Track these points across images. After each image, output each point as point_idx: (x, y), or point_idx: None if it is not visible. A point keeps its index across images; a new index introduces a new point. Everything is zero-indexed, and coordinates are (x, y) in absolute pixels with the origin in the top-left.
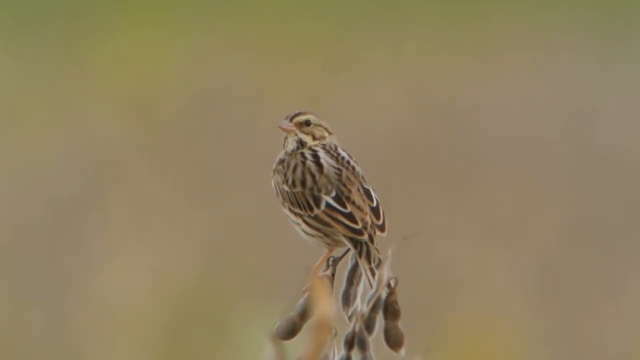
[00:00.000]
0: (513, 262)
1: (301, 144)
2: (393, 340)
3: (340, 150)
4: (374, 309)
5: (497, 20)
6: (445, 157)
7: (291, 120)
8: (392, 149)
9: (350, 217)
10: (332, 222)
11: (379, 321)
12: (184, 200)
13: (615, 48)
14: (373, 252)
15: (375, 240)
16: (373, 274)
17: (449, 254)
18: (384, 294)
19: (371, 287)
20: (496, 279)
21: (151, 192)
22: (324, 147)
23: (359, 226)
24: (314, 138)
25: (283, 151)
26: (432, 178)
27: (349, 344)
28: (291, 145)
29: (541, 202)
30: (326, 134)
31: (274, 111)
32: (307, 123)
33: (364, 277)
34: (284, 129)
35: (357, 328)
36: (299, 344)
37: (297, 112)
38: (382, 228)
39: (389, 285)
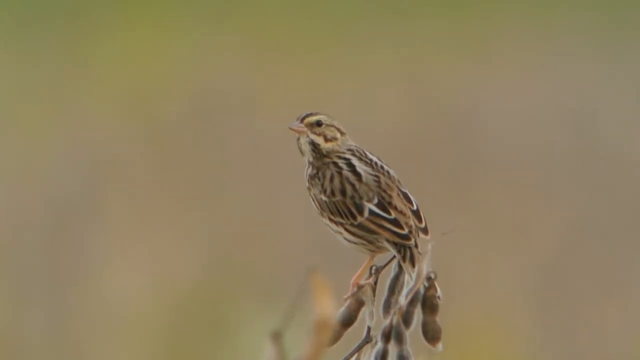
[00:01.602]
0: (513, 262)
1: (314, 145)
2: (430, 334)
3: (370, 155)
4: (412, 302)
5: (497, 20)
6: (445, 157)
7: (302, 121)
8: (392, 149)
9: (395, 222)
10: (378, 229)
11: (417, 315)
12: (184, 200)
13: (615, 48)
14: (417, 255)
15: (420, 245)
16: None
17: (448, 254)
18: (422, 289)
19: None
20: (496, 279)
21: (151, 192)
22: (353, 154)
23: (405, 231)
24: (326, 139)
25: (307, 162)
26: (432, 178)
27: (386, 337)
28: (305, 147)
29: (541, 202)
30: (338, 135)
31: (274, 111)
32: (319, 123)
33: (408, 280)
34: (294, 130)
35: (394, 321)
36: (338, 351)
37: (308, 112)
38: (425, 231)
39: (428, 280)
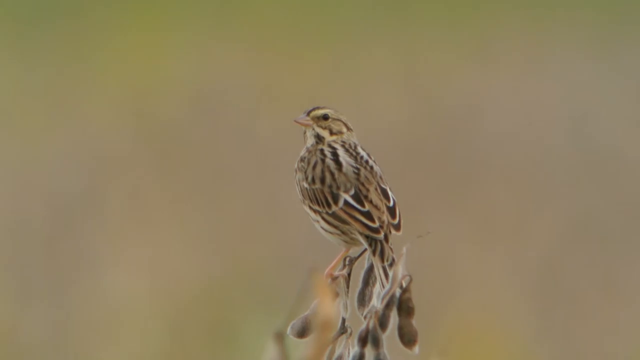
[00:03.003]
0: (513, 262)
1: (319, 138)
2: (407, 337)
3: (359, 149)
4: (388, 306)
5: (497, 20)
6: (445, 157)
7: (308, 114)
8: (393, 149)
9: (367, 215)
10: (350, 220)
11: (393, 318)
12: (185, 200)
13: (615, 48)
14: (387, 250)
15: (391, 240)
16: (385, 272)
17: (448, 253)
18: (398, 292)
19: (383, 285)
20: (496, 279)
21: (151, 192)
22: (343, 145)
23: (376, 224)
24: (332, 133)
25: (304, 148)
26: (432, 178)
27: (363, 341)
28: (310, 140)
29: (541, 202)
30: (344, 129)
31: (274, 111)
32: (325, 117)
33: (377, 274)
34: (300, 123)
35: (370, 325)
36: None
37: (315, 106)
38: (397, 227)
39: (403, 283)
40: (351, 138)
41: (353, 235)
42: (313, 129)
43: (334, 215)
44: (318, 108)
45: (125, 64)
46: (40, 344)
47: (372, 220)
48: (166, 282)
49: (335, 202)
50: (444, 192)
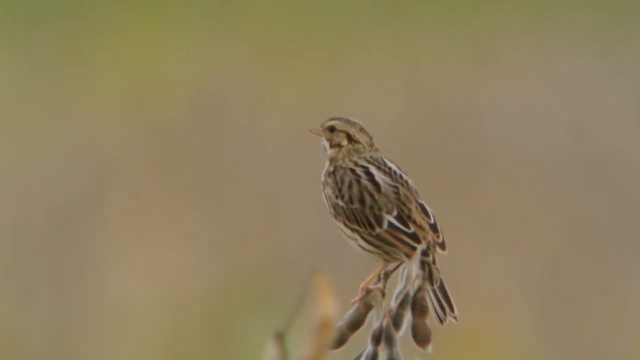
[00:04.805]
0: (513, 261)
1: (325, 149)
2: (420, 336)
3: (389, 163)
4: (401, 305)
5: (497, 20)
6: (445, 157)
7: (323, 124)
8: (392, 149)
9: (414, 237)
10: (397, 242)
11: (407, 317)
12: (185, 201)
13: (615, 48)
14: (435, 273)
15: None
16: (436, 295)
17: (448, 254)
18: (412, 291)
19: (434, 310)
20: (496, 278)
21: (152, 192)
22: (370, 162)
23: (424, 246)
24: (331, 145)
25: (327, 160)
26: (432, 178)
27: (376, 340)
28: (322, 150)
29: (542, 202)
30: (345, 142)
31: (274, 111)
32: (331, 129)
33: (427, 298)
34: (313, 133)
35: (384, 324)
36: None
37: (333, 117)
38: (442, 246)
39: (417, 282)
40: (361, 150)
41: (396, 256)
42: (323, 140)
43: (377, 237)
44: (333, 119)
45: (125, 64)
46: (40, 346)
47: (419, 242)
48: (166, 283)
49: (379, 224)
50: (444, 193)
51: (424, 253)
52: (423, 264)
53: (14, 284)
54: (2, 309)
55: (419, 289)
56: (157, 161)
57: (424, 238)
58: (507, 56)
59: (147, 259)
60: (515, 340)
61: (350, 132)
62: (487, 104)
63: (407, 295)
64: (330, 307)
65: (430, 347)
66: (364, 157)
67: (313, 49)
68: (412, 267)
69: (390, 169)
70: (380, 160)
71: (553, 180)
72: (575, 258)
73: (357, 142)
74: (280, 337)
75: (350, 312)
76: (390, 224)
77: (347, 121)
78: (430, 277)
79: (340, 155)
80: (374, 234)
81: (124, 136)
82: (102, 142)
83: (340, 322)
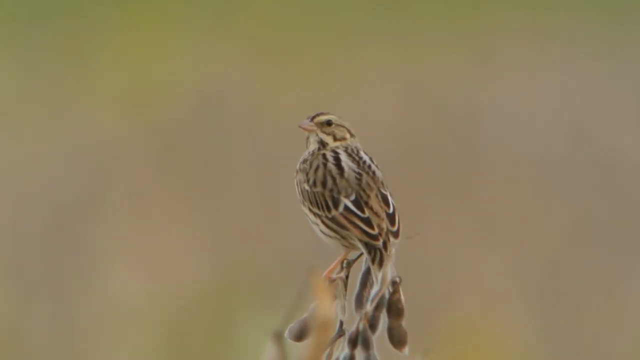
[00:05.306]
0: (513, 262)
1: (322, 144)
2: (396, 339)
3: (362, 154)
4: (377, 307)
5: (497, 20)
6: (445, 157)
7: (312, 119)
8: (392, 150)
9: (367, 221)
10: (349, 225)
11: (383, 320)
12: (185, 201)
13: (615, 48)
14: (385, 258)
15: (390, 247)
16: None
17: (449, 254)
18: (387, 293)
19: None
20: (496, 279)
21: (152, 192)
22: (345, 149)
23: (375, 232)
24: (335, 139)
25: (306, 151)
26: (432, 178)
27: (353, 343)
28: (313, 145)
29: (542, 202)
30: (347, 136)
31: (274, 111)
32: (329, 123)
33: (374, 280)
34: (304, 128)
35: (360, 327)
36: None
37: (319, 112)
38: (396, 234)
39: (392, 284)
40: (354, 143)
41: (352, 241)
42: (317, 135)
43: (333, 219)
44: (322, 114)
45: (125, 64)
46: (42, 344)
47: (371, 227)
48: (166, 282)
49: (336, 206)
50: (444, 193)
51: (374, 237)
52: (372, 247)
53: (14, 284)
54: (2, 309)
55: (394, 291)
56: (157, 161)
57: (378, 225)
58: (507, 56)
59: (147, 258)
60: (515, 340)
61: (347, 125)
62: (487, 104)
63: (382, 297)
64: (328, 307)
65: (406, 349)
66: (343, 146)
67: (313, 49)
68: (387, 270)
69: (360, 158)
70: (355, 150)
71: (553, 180)
72: (576, 258)
73: (354, 135)
74: (278, 337)
75: (314, 302)
76: (346, 207)
77: (337, 115)
78: (380, 263)
79: (342, 148)
80: (330, 216)
81: (124, 136)
82: (102, 142)
83: (304, 315)
